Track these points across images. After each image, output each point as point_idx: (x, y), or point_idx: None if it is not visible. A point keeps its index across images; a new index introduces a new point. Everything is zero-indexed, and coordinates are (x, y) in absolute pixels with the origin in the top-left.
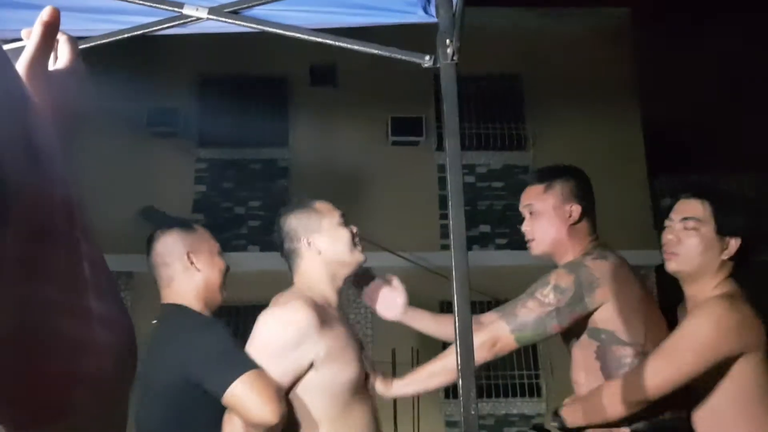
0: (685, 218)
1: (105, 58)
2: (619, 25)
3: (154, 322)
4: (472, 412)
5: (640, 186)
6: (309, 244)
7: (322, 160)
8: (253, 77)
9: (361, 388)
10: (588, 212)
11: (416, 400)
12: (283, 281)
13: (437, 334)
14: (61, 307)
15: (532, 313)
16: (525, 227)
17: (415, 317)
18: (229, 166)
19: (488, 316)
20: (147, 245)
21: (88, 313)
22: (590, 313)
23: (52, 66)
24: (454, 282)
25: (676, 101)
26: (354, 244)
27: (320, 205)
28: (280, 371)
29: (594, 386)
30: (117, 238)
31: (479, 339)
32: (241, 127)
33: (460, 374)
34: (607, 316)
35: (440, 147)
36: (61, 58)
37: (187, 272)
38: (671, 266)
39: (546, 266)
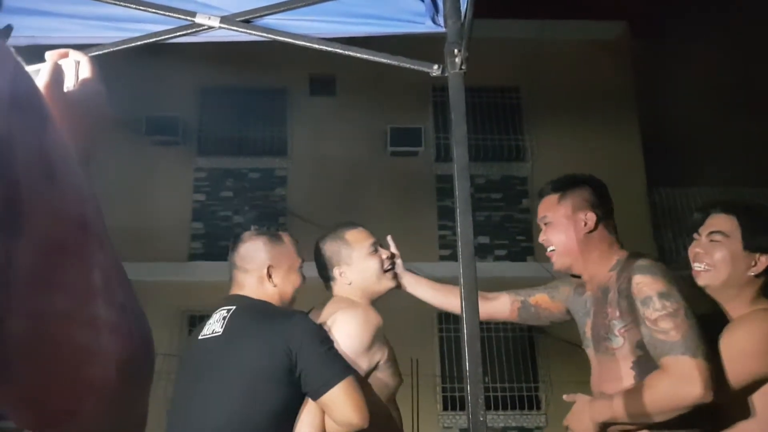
0: (712, 232)
1: (105, 66)
2: (617, 38)
3: (229, 307)
4: (481, 419)
5: (639, 198)
6: (340, 275)
7: (320, 170)
8: (253, 87)
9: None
10: (605, 220)
11: (415, 411)
12: None
13: (433, 302)
14: (70, 316)
15: (679, 329)
16: (541, 238)
17: (413, 283)
18: (228, 175)
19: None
20: (233, 243)
21: (96, 322)
22: None
23: (72, 85)
24: (462, 289)
25: (674, 113)
26: (383, 272)
27: (351, 235)
28: (358, 370)
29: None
30: (115, 246)
31: (671, 383)
32: (240, 136)
33: (468, 381)
34: None
35: (439, 158)
36: (82, 78)
37: (262, 284)
38: (701, 280)
39: (543, 278)
